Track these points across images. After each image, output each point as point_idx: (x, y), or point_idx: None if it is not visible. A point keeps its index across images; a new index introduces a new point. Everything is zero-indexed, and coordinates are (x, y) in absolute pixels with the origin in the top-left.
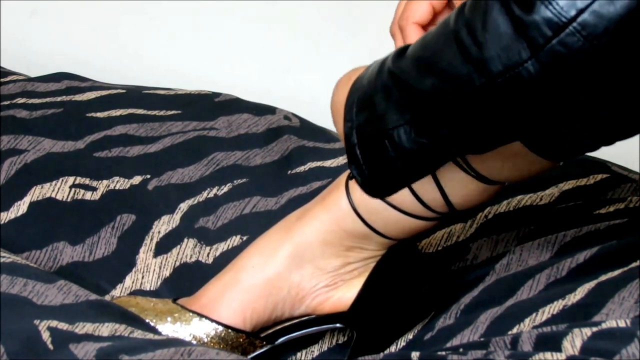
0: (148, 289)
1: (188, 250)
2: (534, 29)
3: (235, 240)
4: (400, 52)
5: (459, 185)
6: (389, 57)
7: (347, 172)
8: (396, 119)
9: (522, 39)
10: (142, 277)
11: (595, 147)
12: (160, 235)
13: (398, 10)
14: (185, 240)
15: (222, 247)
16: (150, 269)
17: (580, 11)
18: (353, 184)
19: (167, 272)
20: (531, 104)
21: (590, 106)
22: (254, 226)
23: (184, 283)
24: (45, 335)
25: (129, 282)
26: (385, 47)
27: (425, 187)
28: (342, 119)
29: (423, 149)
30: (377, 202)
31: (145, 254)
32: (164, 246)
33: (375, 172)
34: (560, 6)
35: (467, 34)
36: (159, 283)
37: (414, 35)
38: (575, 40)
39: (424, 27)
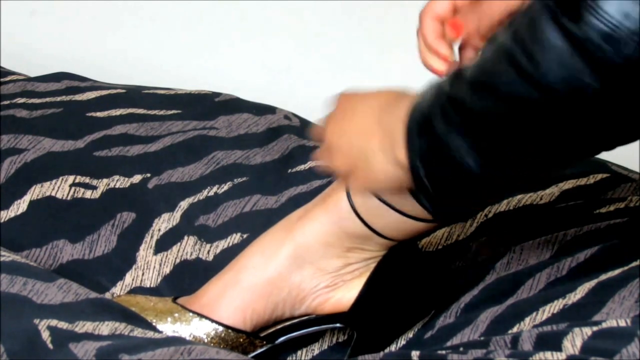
0: (148, 286)
1: (188, 248)
2: (588, 42)
3: (235, 238)
4: (457, 75)
5: None
6: (445, 81)
7: None
8: (459, 143)
9: (578, 53)
10: (142, 274)
11: (597, 152)
12: (161, 232)
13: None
14: (186, 237)
15: (222, 244)
16: (150, 266)
17: (633, 20)
18: None
19: (167, 269)
20: (593, 119)
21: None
22: (255, 224)
23: (184, 280)
24: (45, 335)
25: (129, 279)
26: (385, 47)
27: None
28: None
29: (491, 172)
30: (377, 204)
31: (145, 252)
32: (164, 243)
33: (446, 200)
34: (610, 15)
35: (521, 51)
36: (159, 280)
37: (429, 29)
38: (633, 50)
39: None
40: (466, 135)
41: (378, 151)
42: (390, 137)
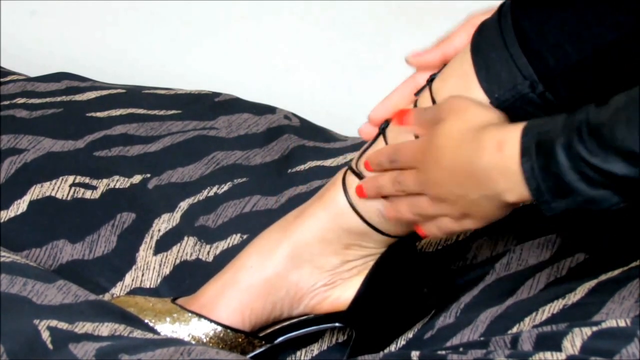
0: (148, 286)
1: (188, 248)
2: None
3: (235, 239)
4: (580, 133)
5: None
6: (572, 140)
7: (344, 169)
8: (610, 198)
9: None
10: (142, 275)
11: None
12: (161, 233)
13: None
14: (186, 238)
15: (222, 245)
16: (150, 266)
17: None
18: (350, 181)
19: (167, 270)
20: None
21: None
22: (254, 225)
23: (184, 281)
24: (45, 335)
25: (129, 279)
26: (385, 47)
27: None
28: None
29: None
30: (375, 200)
31: (145, 252)
32: (164, 244)
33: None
34: None
35: None
36: (159, 281)
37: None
38: None
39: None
40: (617, 194)
41: (482, 200)
42: (492, 189)
